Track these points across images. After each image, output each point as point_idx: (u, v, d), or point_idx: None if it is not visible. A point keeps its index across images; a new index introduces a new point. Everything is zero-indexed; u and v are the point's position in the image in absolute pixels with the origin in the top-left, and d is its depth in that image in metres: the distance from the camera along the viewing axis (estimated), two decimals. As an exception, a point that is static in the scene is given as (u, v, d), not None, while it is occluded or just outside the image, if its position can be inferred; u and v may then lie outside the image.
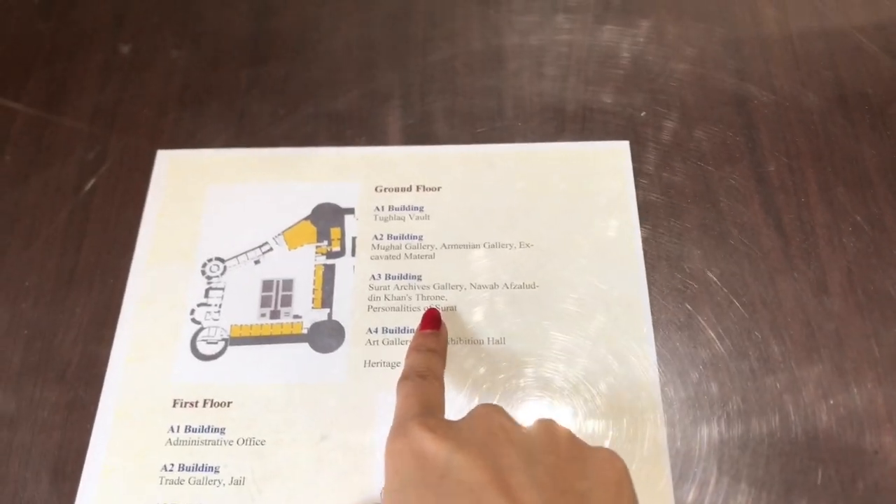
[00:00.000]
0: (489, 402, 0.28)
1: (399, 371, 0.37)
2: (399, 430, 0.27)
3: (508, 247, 0.40)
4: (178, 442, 0.36)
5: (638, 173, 0.42)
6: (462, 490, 0.24)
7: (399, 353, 0.37)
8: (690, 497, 0.35)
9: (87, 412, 0.37)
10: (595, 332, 0.38)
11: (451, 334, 0.38)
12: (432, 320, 0.36)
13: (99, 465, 0.35)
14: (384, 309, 0.39)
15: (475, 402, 0.36)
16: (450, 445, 0.25)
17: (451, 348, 0.38)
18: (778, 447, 0.35)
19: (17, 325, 0.39)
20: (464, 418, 0.27)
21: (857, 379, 0.37)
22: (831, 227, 0.41)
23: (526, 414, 0.36)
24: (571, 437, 0.27)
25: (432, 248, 0.41)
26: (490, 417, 0.27)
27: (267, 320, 0.39)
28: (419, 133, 0.45)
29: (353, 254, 0.40)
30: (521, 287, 0.39)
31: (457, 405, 0.36)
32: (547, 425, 0.27)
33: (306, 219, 0.41)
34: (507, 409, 0.36)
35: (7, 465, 0.36)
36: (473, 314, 0.39)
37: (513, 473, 0.24)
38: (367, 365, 0.37)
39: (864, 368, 0.37)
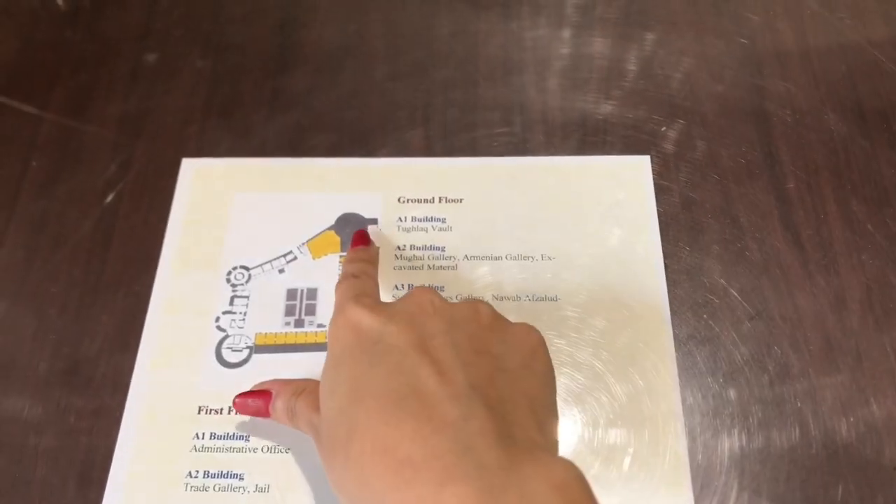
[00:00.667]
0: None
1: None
2: (338, 312, 0.31)
3: (530, 259, 0.41)
4: (203, 449, 0.36)
5: (658, 188, 0.43)
6: (391, 351, 0.27)
7: (422, 364, 0.38)
8: (712, 511, 0.35)
9: (113, 418, 0.37)
10: (617, 344, 0.38)
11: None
12: (362, 238, 0.39)
13: (125, 471, 0.35)
14: (407, 319, 0.39)
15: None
16: (382, 318, 0.29)
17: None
18: (798, 462, 0.36)
19: (43, 331, 0.40)
20: (398, 299, 0.31)
21: (876, 395, 0.37)
22: (850, 244, 0.41)
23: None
24: (493, 312, 0.31)
25: (454, 259, 0.41)
26: (421, 295, 0.30)
27: (291, 329, 0.39)
28: (441, 145, 0.45)
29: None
30: (542, 299, 0.40)
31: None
32: (473, 303, 0.31)
33: (330, 228, 0.42)
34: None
35: (34, 470, 0.36)
36: (496, 325, 0.39)
37: (434, 337, 0.28)
38: (390, 374, 0.38)
39: (884, 384, 0.37)
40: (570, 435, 0.36)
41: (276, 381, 0.34)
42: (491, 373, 0.27)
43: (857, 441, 0.36)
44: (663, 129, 0.45)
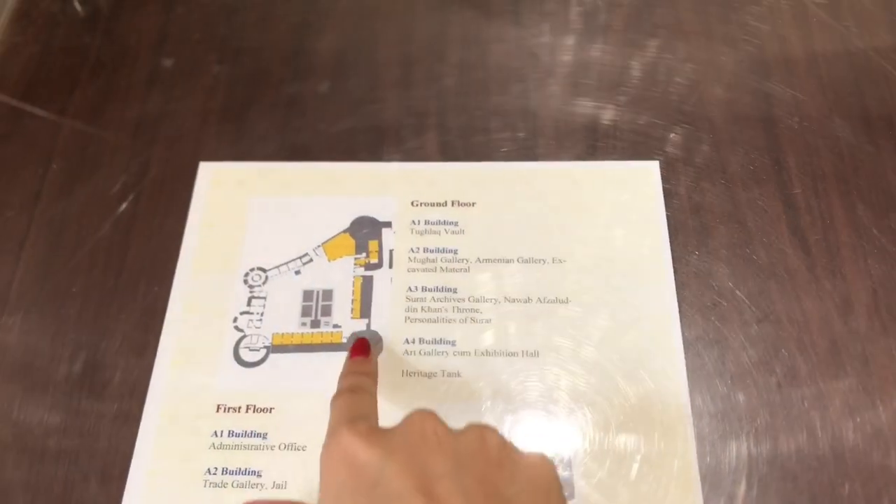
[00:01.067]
0: (483, 422, 0.29)
1: (436, 381, 0.38)
2: (332, 437, 0.28)
3: (541, 262, 0.42)
4: (222, 446, 0.37)
5: (668, 193, 0.44)
6: (392, 497, 0.24)
7: (436, 364, 0.39)
8: (721, 510, 0.35)
9: (133, 416, 0.38)
10: (627, 346, 0.39)
11: (487, 346, 0.39)
12: (362, 348, 0.37)
13: (145, 468, 0.36)
14: (421, 320, 0.40)
15: (510, 414, 0.37)
16: (381, 453, 0.26)
17: (487, 360, 0.39)
18: (805, 463, 0.36)
19: (63, 331, 0.41)
20: (397, 425, 0.28)
21: (882, 397, 0.38)
22: (856, 249, 0.42)
23: (557, 426, 0.37)
24: (502, 443, 0.27)
25: (467, 261, 0.42)
26: (422, 423, 0.27)
27: (307, 329, 0.40)
28: (454, 150, 0.46)
29: (391, 266, 0.42)
30: (554, 301, 0.40)
31: (495, 413, 0.37)
32: (479, 431, 0.27)
33: (345, 231, 0.43)
34: (541, 422, 0.37)
35: (55, 467, 0.37)
36: (508, 327, 0.40)
37: (440, 481, 0.25)
38: (404, 374, 0.38)
39: (890, 387, 0.38)
40: (582, 436, 0.37)
41: (264, 501, 0.34)
42: None
43: (864, 443, 0.37)
44: (672, 134, 0.46)
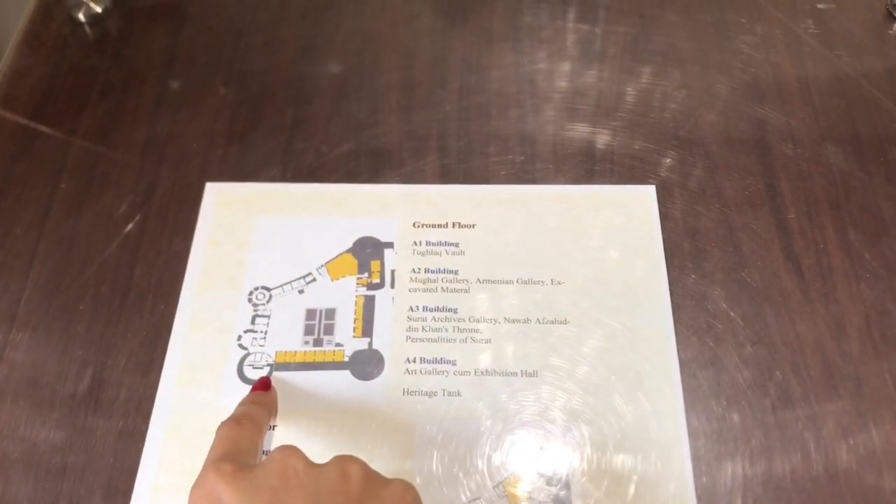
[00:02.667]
0: (348, 454, 0.30)
1: (434, 400, 0.39)
2: (201, 477, 0.29)
3: (540, 283, 0.42)
4: (225, 463, 0.37)
5: (663, 216, 0.45)
6: None
7: (436, 383, 0.39)
8: (716, 530, 0.36)
9: (139, 433, 0.38)
10: (624, 367, 0.40)
11: (487, 366, 0.40)
12: (262, 385, 0.38)
13: (149, 483, 0.37)
14: (422, 340, 0.41)
15: (509, 434, 0.38)
16: (241, 495, 0.27)
17: (487, 379, 0.39)
18: (799, 484, 0.37)
19: (71, 347, 0.41)
20: (261, 463, 0.29)
21: (875, 420, 0.38)
22: (849, 273, 0.43)
23: (554, 446, 0.38)
24: (364, 476, 0.28)
25: (467, 282, 0.43)
26: (284, 461, 0.28)
27: (310, 347, 0.40)
28: (455, 172, 0.47)
29: (393, 286, 0.42)
30: (552, 322, 0.41)
31: (494, 433, 0.38)
32: (341, 465, 0.29)
33: (348, 251, 0.44)
34: (538, 441, 0.38)
35: (61, 482, 0.37)
36: (507, 347, 0.40)
37: None
38: (405, 393, 0.39)
39: (882, 410, 0.39)
40: (579, 456, 0.37)
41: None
42: None
43: (858, 465, 0.37)
44: (668, 160, 0.47)
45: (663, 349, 0.40)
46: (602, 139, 0.48)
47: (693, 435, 0.38)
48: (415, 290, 0.42)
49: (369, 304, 0.42)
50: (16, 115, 0.51)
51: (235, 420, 0.33)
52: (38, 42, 0.55)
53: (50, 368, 0.41)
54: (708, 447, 0.38)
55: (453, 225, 0.45)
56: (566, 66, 0.52)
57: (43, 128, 0.50)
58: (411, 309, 0.42)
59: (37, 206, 0.46)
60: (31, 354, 0.41)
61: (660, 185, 0.46)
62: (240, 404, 0.36)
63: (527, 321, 0.41)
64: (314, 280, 0.43)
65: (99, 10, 0.55)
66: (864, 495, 0.37)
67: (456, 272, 0.43)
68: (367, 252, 0.44)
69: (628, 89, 0.50)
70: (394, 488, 0.29)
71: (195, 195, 0.46)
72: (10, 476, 0.38)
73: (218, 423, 0.38)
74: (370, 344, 0.41)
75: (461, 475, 0.37)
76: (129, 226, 0.45)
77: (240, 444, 0.31)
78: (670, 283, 0.42)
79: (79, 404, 0.39)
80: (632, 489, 0.36)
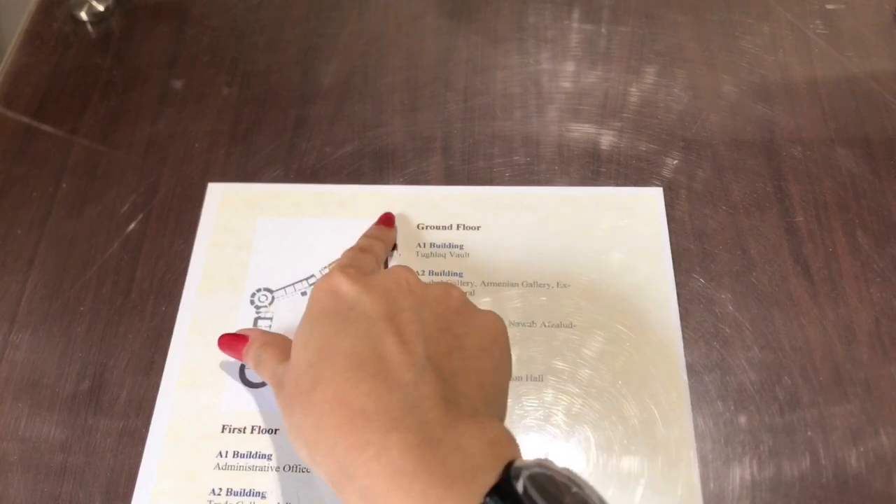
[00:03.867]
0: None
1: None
2: (327, 276, 0.33)
3: (546, 286, 0.42)
4: (227, 467, 0.37)
5: (671, 219, 0.44)
6: (362, 318, 0.30)
7: (440, 387, 0.39)
8: (724, 537, 0.35)
9: (139, 435, 0.38)
10: (630, 371, 0.39)
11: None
12: (387, 220, 0.43)
13: (150, 487, 0.36)
14: (426, 343, 0.40)
15: (516, 437, 0.37)
16: (360, 288, 0.31)
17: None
18: (809, 491, 0.36)
19: (71, 348, 0.41)
20: (379, 272, 0.33)
21: (885, 425, 0.38)
22: (858, 277, 0.42)
23: (560, 450, 0.37)
24: (463, 297, 0.34)
25: (472, 285, 0.42)
26: (399, 273, 0.33)
27: (313, 351, 0.40)
28: (459, 174, 0.46)
29: (396, 288, 0.42)
30: (557, 326, 0.41)
31: (496, 439, 0.37)
32: (445, 287, 0.33)
33: (351, 253, 0.43)
34: (544, 445, 0.37)
35: (61, 485, 0.37)
36: (512, 351, 0.40)
37: (403, 311, 0.30)
38: (409, 397, 0.39)
39: (892, 414, 0.38)
40: (586, 460, 0.37)
41: (254, 329, 0.38)
42: (449, 350, 0.31)
43: (867, 471, 0.37)
44: (675, 161, 0.46)
45: (670, 353, 0.40)
46: (608, 140, 0.48)
47: (700, 439, 0.38)
48: (419, 293, 0.42)
49: (373, 306, 0.41)
50: (17, 114, 0.51)
51: (359, 248, 0.38)
52: (40, 41, 0.55)
53: (50, 369, 0.40)
54: (716, 452, 0.37)
55: (458, 227, 0.44)
56: (571, 67, 0.51)
57: (44, 127, 0.50)
58: (415, 311, 0.41)
59: (38, 206, 0.46)
60: (31, 355, 0.41)
61: (666, 187, 0.45)
62: (364, 235, 0.41)
63: (532, 324, 0.41)
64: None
65: (101, 8, 0.55)
66: (873, 501, 0.36)
67: (460, 275, 0.43)
68: (371, 253, 0.43)
69: (634, 90, 0.50)
70: (487, 314, 0.34)
71: (197, 195, 0.46)
72: (9, 477, 0.37)
73: (219, 426, 0.38)
74: (373, 346, 0.40)
75: (465, 480, 0.36)
76: (131, 226, 0.45)
77: (361, 263, 0.36)
78: (677, 286, 0.42)
79: (79, 406, 0.39)
80: (638, 494, 0.36)
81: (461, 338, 0.31)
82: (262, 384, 0.39)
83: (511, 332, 0.40)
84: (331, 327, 0.30)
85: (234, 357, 0.38)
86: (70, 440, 0.38)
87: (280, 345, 0.35)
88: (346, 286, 0.31)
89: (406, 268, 0.33)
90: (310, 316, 0.32)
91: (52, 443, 0.38)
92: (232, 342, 0.37)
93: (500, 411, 0.32)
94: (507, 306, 0.41)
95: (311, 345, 0.30)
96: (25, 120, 0.50)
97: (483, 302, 0.41)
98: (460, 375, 0.30)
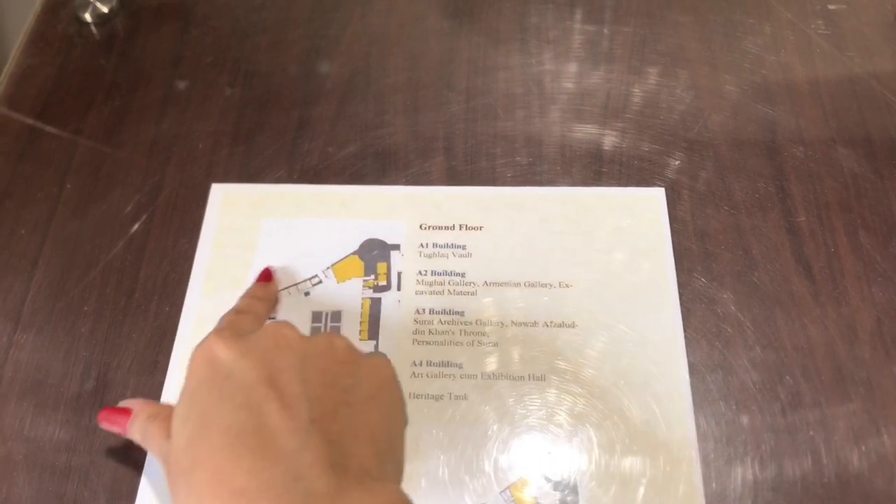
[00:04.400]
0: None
1: (441, 403, 0.39)
2: (201, 343, 0.31)
3: (548, 286, 0.42)
4: (230, 466, 0.37)
5: (673, 219, 0.44)
6: (240, 388, 0.28)
7: (443, 386, 0.39)
8: (726, 536, 0.36)
9: (143, 434, 0.38)
10: (632, 370, 0.39)
11: (494, 370, 0.39)
12: (265, 276, 0.41)
13: (154, 486, 0.36)
14: (428, 343, 0.40)
15: (516, 438, 0.38)
16: (236, 353, 0.29)
17: (494, 383, 0.39)
18: (811, 490, 0.36)
19: (75, 348, 0.41)
20: (254, 333, 0.31)
21: (887, 425, 0.38)
22: (860, 277, 0.42)
23: (562, 450, 0.37)
24: (348, 346, 0.32)
25: (474, 285, 0.42)
26: (276, 330, 0.31)
27: (316, 350, 0.40)
28: (462, 174, 0.47)
29: (399, 288, 0.42)
30: (560, 325, 0.41)
31: (501, 437, 0.38)
32: (328, 338, 0.32)
33: (354, 253, 0.43)
34: (546, 445, 0.37)
35: (66, 484, 0.37)
36: (514, 351, 0.40)
37: (283, 372, 0.29)
38: (411, 396, 0.39)
39: (894, 414, 0.38)
40: (587, 460, 0.37)
41: (138, 400, 0.36)
42: (335, 406, 0.29)
43: (869, 471, 0.37)
44: (677, 162, 0.47)
45: (672, 352, 0.40)
46: (610, 141, 0.48)
47: (702, 439, 0.38)
48: (421, 293, 0.42)
49: (375, 306, 0.42)
50: (22, 115, 0.51)
51: (237, 311, 0.37)
52: (45, 42, 0.55)
53: (54, 369, 0.40)
54: (717, 451, 0.37)
55: (460, 227, 0.44)
56: (573, 67, 0.52)
57: (49, 128, 0.50)
58: (418, 311, 0.41)
59: (42, 207, 0.46)
60: (35, 355, 0.41)
61: (668, 187, 0.45)
62: (242, 297, 0.39)
63: (534, 324, 0.41)
64: (320, 282, 0.42)
65: (105, 10, 0.55)
66: (875, 500, 0.36)
67: (463, 275, 0.43)
68: (374, 254, 0.43)
69: (636, 90, 0.50)
70: (374, 360, 0.32)
71: (201, 196, 0.46)
72: (14, 477, 0.37)
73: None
74: (376, 346, 0.40)
75: (467, 479, 0.37)
76: (135, 226, 0.45)
77: (238, 326, 0.35)
78: (679, 286, 0.42)
79: (83, 405, 0.39)
80: (640, 493, 0.36)
81: (348, 391, 0.30)
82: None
83: (514, 331, 0.41)
84: (208, 401, 0.28)
85: (116, 432, 0.35)
86: (75, 439, 0.38)
87: (166, 416, 0.32)
88: (222, 352, 0.30)
89: (284, 323, 0.32)
90: (188, 389, 0.30)
91: (57, 442, 0.38)
92: (113, 416, 0.35)
93: (395, 465, 0.30)
94: (510, 306, 0.41)
95: (189, 421, 0.28)
96: (30, 121, 0.51)
97: (486, 302, 0.42)
98: (348, 433, 0.28)
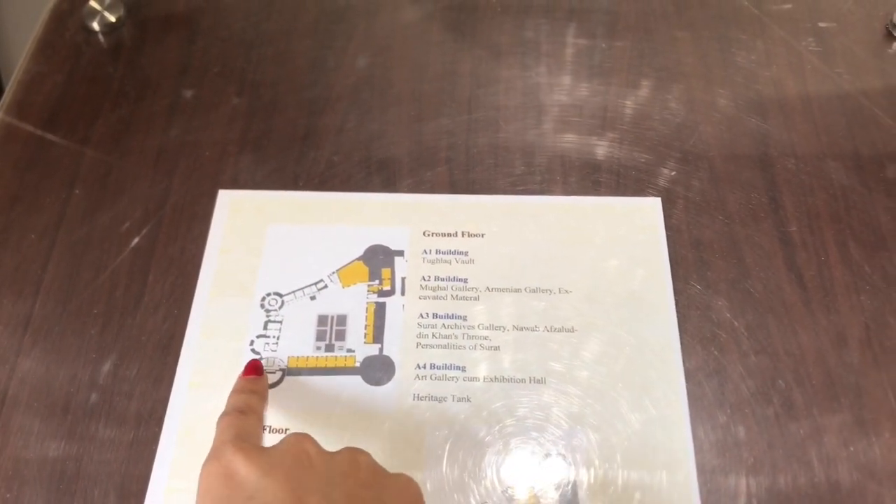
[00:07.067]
0: (357, 447, 0.31)
1: (444, 405, 0.39)
2: (214, 453, 0.30)
3: (548, 292, 0.43)
4: (238, 466, 0.38)
5: (669, 228, 0.45)
6: None
7: (446, 389, 0.40)
8: (721, 536, 0.37)
9: (151, 437, 0.39)
10: (630, 375, 0.40)
11: (495, 373, 0.40)
12: (254, 368, 0.39)
13: (162, 486, 0.37)
14: (432, 346, 0.41)
15: (517, 440, 0.39)
16: (259, 470, 0.28)
17: (495, 386, 0.40)
18: (803, 492, 0.38)
19: (85, 350, 0.42)
20: (275, 445, 0.30)
21: (875, 430, 0.39)
22: (850, 286, 0.44)
23: (561, 453, 0.38)
24: (371, 464, 0.30)
25: (476, 290, 0.43)
26: (299, 444, 0.30)
27: (322, 353, 0.41)
28: (464, 183, 0.48)
29: (403, 293, 0.43)
30: (559, 330, 0.42)
31: (502, 439, 0.38)
32: (351, 454, 0.30)
33: (359, 259, 0.44)
34: (545, 448, 0.38)
35: (76, 483, 0.38)
36: (515, 355, 0.41)
37: (311, 496, 0.27)
38: (415, 399, 0.40)
39: (882, 420, 0.39)
40: (586, 465, 0.38)
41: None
42: None
43: (860, 476, 0.38)
44: (673, 172, 0.48)
45: (669, 358, 0.41)
46: (607, 151, 0.49)
47: (698, 443, 0.39)
48: (425, 298, 0.43)
49: (380, 310, 0.43)
50: (29, 124, 0.52)
51: (238, 410, 0.34)
52: (52, 51, 0.56)
53: (64, 372, 0.41)
54: (712, 455, 0.38)
55: (462, 234, 0.45)
56: (572, 80, 0.53)
57: (56, 136, 0.51)
58: (421, 316, 0.42)
59: (50, 214, 0.47)
60: (44, 359, 0.42)
61: (664, 197, 0.47)
62: (234, 392, 0.37)
63: (534, 329, 0.42)
64: (326, 287, 0.43)
65: (113, 19, 0.56)
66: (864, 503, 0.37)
67: (465, 280, 0.44)
68: (378, 260, 0.44)
69: (633, 103, 0.51)
70: (399, 480, 0.31)
71: (208, 203, 0.47)
72: (23, 480, 0.38)
73: (230, 427, 0.38)
74: (381, 350, 0.41)
75: (470, 481, 0.37)
76: (143, 232, 0.46)
77: (248, 431, 0.33)
78: (675, 293, 0.43)
79: (92, 407, 0.40)
80: (637, 496, 0.37)
81: None
82: (273, 385, 0.40)
83: (514, 336, 0.42)
84: None
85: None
86: (83, 443, 0.39)
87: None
88: (242, 468, 0.28)
89: (304, 436, 0.30)
90: None
91: (65, 446, 0.39)
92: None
93: None
94: (511, 311, 0.42)
95: None
96: (38, 130, 0.51)
97: (488, 307, 0.43)
98: None
